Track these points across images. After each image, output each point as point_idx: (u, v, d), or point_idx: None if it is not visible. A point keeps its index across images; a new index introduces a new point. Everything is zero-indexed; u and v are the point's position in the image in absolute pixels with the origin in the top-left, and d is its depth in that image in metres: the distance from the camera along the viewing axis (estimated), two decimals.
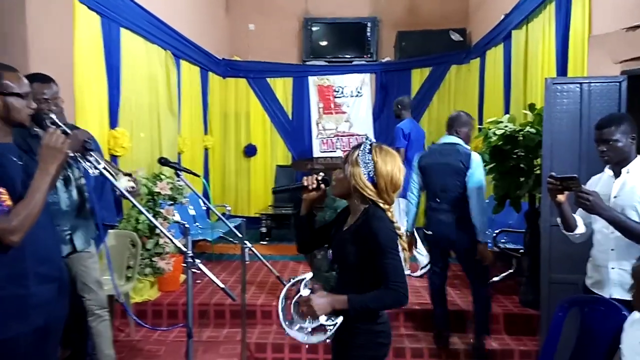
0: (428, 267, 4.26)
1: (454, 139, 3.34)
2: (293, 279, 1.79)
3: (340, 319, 1.69)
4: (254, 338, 3.60)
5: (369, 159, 1.74)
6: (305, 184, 1.90)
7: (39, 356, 1.83)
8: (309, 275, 1.79)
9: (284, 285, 1.85)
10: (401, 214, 4.40)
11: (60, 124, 1.97)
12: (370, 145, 1.77)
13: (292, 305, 1.74)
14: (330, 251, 1.90)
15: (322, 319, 1.68)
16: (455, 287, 4.30)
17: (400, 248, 1.75)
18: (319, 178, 1.89)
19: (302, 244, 2.02)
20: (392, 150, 1.80)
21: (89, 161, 2.04)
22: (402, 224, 4.37)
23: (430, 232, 3.35)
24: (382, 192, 1.76)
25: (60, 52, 3.37)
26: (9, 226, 1.60)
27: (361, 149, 1.76)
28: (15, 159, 1.75)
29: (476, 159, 3.22)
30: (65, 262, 2.39)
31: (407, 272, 2.11)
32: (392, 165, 1.76)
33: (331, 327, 1.69)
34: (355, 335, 1.75)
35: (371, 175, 1.74)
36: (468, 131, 3.41)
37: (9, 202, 1.63)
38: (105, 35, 3.88)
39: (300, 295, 1.73)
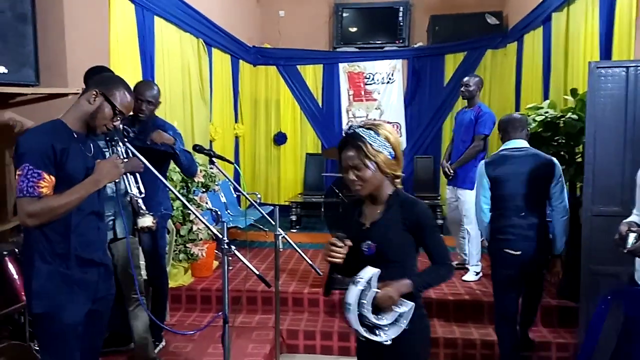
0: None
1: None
2: (360, 279, 1.60)
3: (412, 304, 1.65)
4: (285, 325, 3.63)
5: (382, 140, 1.68)
6: (338, 261, 1.65)
7: (87, 337, 1.91)
8: (372, 271, 1.63)
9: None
10: (471, 241, 4.09)
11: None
12: (369, 127, 1.69)
13: (366, 309, 1.60)
14: (368, 245, 1.72)
15: (397, 309, 1.63)
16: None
17: None
18: (348, 243, 1.67)
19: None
20: (379, 120, 1.78)
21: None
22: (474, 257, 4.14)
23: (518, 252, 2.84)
24: (400, 163, 1.74)
25: (96, 40, 3.43)
26: (30, 209, 1.68)
27: (367, 137, 1.66)
28: (84, 149, 1.84)
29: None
30: (109, 247, 2.51)
31: None
32: (393, 131, 1.75)
33: (405, 312, 1.64)
34: (410, 322, 1.68)
35: (392, 153, 1.70)
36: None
37: (45, 191, 1.70)
38: (139, 24, 3.92)
39: (376, 292, 1.62)
